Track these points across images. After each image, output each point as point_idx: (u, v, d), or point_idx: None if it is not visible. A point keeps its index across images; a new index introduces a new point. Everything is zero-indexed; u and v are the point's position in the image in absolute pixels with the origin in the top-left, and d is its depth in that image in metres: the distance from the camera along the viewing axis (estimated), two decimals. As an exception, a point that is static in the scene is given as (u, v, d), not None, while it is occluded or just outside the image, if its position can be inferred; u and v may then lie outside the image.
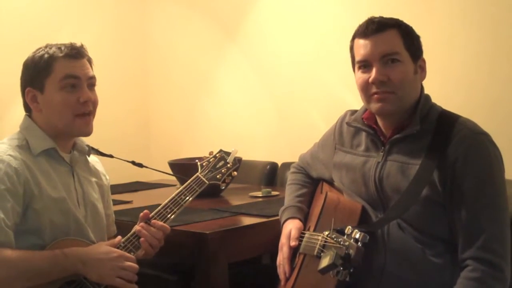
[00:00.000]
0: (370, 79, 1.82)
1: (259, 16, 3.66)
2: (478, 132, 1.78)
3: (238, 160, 2.93)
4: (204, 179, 2.12)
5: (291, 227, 2.00)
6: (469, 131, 1.77)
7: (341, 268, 1.48)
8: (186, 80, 4.10)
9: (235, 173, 2.25)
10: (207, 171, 2.16)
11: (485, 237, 1.68)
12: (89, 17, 3.98)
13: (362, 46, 1.84)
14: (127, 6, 4.18)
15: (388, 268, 1.76)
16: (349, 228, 1.51)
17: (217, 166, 2.19)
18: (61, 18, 3.82)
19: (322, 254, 1.61)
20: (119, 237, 1.92)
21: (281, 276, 1.92)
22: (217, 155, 2.23)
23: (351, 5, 3.21)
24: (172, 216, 1.98)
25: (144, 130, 4.30)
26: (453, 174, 1.73)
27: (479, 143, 1.76)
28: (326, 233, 1.62)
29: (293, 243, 1.93)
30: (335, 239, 1.53)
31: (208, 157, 2.22)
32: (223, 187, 2.23)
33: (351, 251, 1.46)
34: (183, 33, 4.08)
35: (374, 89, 1.83)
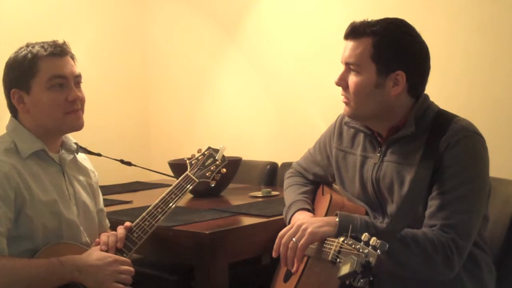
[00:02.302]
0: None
1: (259, 16, 3.66)
2: (471, 130, 1.79)
3: (237, 161, 2.94)
4: (193, 177, 2.12)
5: (304, 216, 1.95)
6: (462, 128, 1.78)
7: (360, 276, 1.45)
8: (186, 80, 4.10)
9: (224, 170, 2.25)
10: (196, 169, 2.16)
11: (454, 221, 1.70)
12: (89, 17, 3.97)
13: (344, 47, 1.86)
14: (127, 6, 4.18)
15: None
16: (366, 235, 1.49)
17: (206, 163, 2.19)
18: (61, 18, 3.82)
19: (338, 260, 1.58)
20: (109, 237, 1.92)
21: (289, 262, 1.80)
22: (205, 152, 2.23)
23: (351, 5, 3.21)
24: (163, 216, 1.98)
25: (144, 130, 4.30)
26: (442, 164, 1.74)
27: (470, 140, 1.77)
28: (342, 238, 1.59)
29: None
30: (352, 245, 1.51)
31: (196, 155, 2.22)
32: (213, 185, 2.23)
33: (371, 259, 1.43)
34: (183, 33, 4.08)
35: (341, 92, 1.87)
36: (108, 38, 4.07)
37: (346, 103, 1.87)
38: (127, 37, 4.19)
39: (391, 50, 1.79)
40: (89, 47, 3.74)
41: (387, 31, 1.80)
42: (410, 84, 1.82)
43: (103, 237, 1.91)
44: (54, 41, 1.92)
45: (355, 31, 1.82)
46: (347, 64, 1.84)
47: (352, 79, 1.82)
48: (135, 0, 4.22)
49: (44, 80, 1.86)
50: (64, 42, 1.93)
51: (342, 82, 1.85)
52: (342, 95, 1.88)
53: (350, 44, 1.83)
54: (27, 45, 1.91)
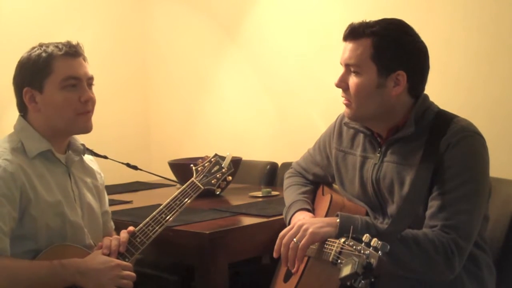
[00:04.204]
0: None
1: (259, 16, 3.66)
2: (471, 131, 1.79)
3: (237, 161, 2.94)
4: (199, 184, 2.11)
5: (304, 217, 1.95)
6: (462, 128, 1.78)
7: (362, 278, 1.45)
8: (186, 80, 4.10)
9: (230, 178, 2.25)
10: (202, 176, 2.15)
11: (455, 222, 1.70)
12: (89, 17, 3.98)
13: (343, 49, 1.86)
14: (127, 6, 4.18)
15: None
16: (367, 236, 1.49)
17: (212, 171, 2.18)
18: (61, 19, 3.82)
19: (339, 261, 1.58)
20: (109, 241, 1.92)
21: (290, 262, 1.79)
22: (212, 159, 2.21)
23: (351, 5, 3.21)
24: (166, 223, 1.97)
25: (144, 130, 4.30)
26: (442, 165, 1.74)
27: (470, 140, 1.77)
28: (343, 239, 1.59)
29: None
30: (353, 246, 1.50)
31: (203, 161, 2.21)
32: (218, 192, 2.22)
33: (373, 260, 1.43)
34: (183, 33, 4.08)
35: (341, 94, 1.87)
36: (109, 38, 4.07)
37: (347, 105, 1.87)
38: (127, 37, 4.19)
39: (391, 50, 1.79)
40: (89, 47, 3.72)
41: (387, 31, 1.80)
42: (411, 83, 1.82)
43: (106, 241, 1.91)
44: (68, 42, 1.92)
45: (354, 32, 1.82)
46: (347, 66, 1.84)
47: (353, 80, 1.82)
48: (135, 0, 4.22)
49: (58, 80, 1.86)
50: (78, 43, 1.94)
51: (342, 83, 1.85)
52: (342, 96, 1.88)
53: (349, 45, 1.83)
54: (41, 45, 1.91)
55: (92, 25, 3.97)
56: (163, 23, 4.19)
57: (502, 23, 2.72)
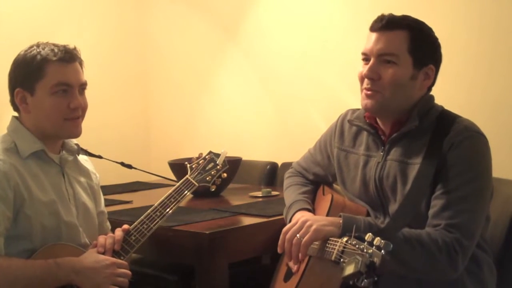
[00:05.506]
0: (363, 73, 1.83)
1: (259, 16, 3.66)
2: (474, 131, 1.80)
3: (237, 161, 2.94)
4: (193, 181, 2.12)
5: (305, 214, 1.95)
6: (465, 128, 1.79)
7: (365, 276, 1.45)
8: (186, 80, 4.10)
9: (225, 174, 2.25)
10: (196, 173, 2.16)
11: (458, 221, 1.70)
12: (89, 17, 3.98)
13: (368, 39, 1.86)
14: (127, 6, 4.18)
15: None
16: (369, 235, 1.49)
17: (207, 168, 2.19)
18: (61, 19, 3.82)
19: (341, 260, 1.58)
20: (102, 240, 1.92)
21: (293, 258, 1.80)
22: (206, 156, 2.22)
23: (352, 5, 3.21)
24: (161, 220, 1.98)
25: (144, 130, 4.30)
26: (445, 164, 1.75)
27: (473, 140, 1.78)
28: (345, 238, 1.59)
29: None
30: (356, 245, 1.50)
31: (197, 158, 2.21)
32: (213, 189, 2.22)
33: (376, 259, 1.43)
34: (183, 33, 4.08)
35: (365, 84, 1.85)
36: (108, 38, 4.07)
37: (371, 96, 1.83)
38: (127, 37, 4.19)
39: (425, 44, 1.83)
40: (89, 47, 3.72)
41: (420, 26, 1.85)
42: (435, 78, 1.87)
43: (101, 239, 1.91)
44: (64, 46, 1.90)
45: (390, 23, 1.82)
46: (379, 56, 1.82)
47: (389, 70, 1.81)
48: (135, 0, 4.22)
49: (49, 85, 1.86)
50: (75, 48, 1.93)
51: (375, 74, 1.82)
52: (367, 88, 1.84)
53: (383, 36, 1.82)
54: (38, 45, 1.89)
55: (91, 25, 3.97)
56: (163, 23, 4.19)
57: (502, 23, 2.71)
